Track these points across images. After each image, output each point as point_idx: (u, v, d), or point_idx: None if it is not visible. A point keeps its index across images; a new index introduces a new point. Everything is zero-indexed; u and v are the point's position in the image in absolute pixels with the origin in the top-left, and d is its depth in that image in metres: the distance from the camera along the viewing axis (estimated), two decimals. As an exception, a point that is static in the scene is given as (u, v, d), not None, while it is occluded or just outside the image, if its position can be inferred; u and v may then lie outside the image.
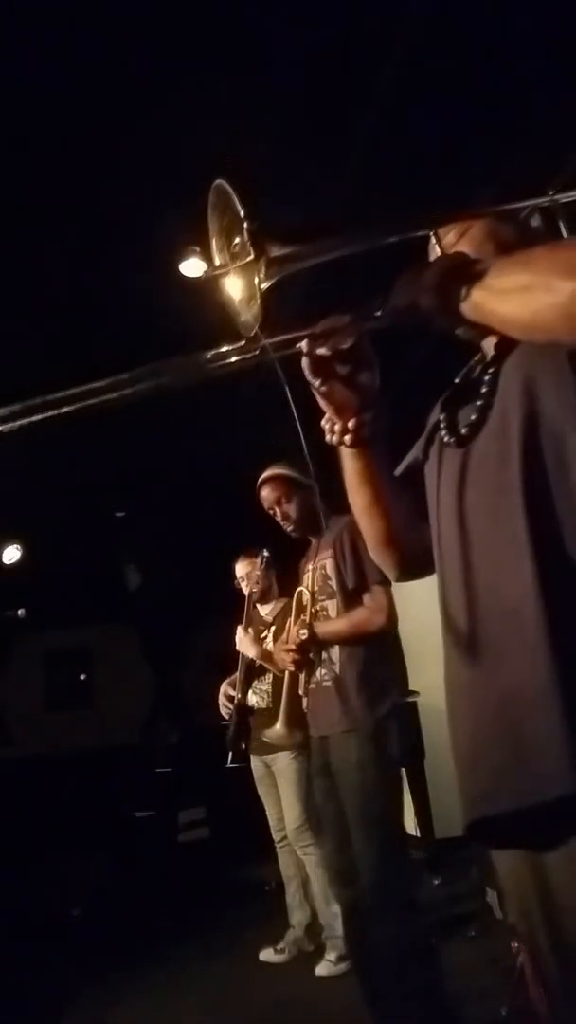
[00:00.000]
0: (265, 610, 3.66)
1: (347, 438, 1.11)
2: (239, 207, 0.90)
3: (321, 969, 3.24)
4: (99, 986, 3.54)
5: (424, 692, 4.96)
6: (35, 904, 4.80)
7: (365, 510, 1.23)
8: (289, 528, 2.62)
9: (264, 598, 3.64)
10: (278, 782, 3.49)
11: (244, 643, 3.40)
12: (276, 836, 3.62)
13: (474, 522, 1.01)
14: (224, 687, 3.54)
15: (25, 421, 0.96)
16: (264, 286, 0.91)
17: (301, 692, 2.50)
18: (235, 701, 3.45)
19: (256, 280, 0.91)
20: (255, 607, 3.64)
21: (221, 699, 3.53)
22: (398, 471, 1.28)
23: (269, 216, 0.89)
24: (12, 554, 5.06)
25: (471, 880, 3.62)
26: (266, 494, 2.65)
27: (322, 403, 1.10)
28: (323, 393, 1.08)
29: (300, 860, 3.48)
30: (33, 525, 5.11)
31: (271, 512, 2.65)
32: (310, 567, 2.58)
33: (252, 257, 0.89)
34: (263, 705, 3.50)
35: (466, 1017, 2.24)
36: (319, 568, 2.53)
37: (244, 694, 3.47)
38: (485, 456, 1.01)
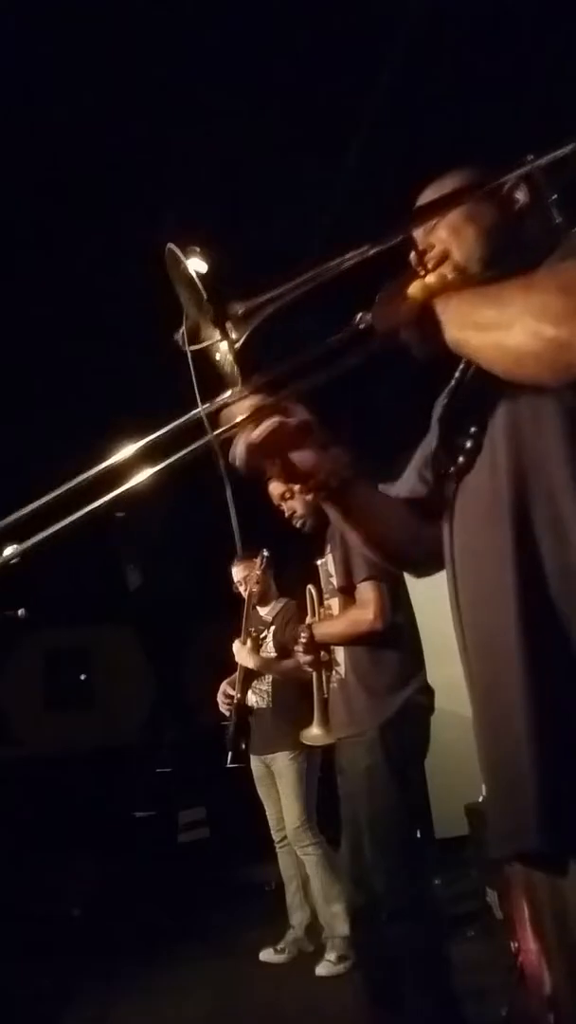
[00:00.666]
0: (264, 611, 3.66)
1: (319, 496, 1.16)
2: (196, 281, 0.91)
3: (321, 969, 3.24)
4: (99, 986, 3.54)
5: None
6: (35, 904, 4.80)
7: (366, 542, 1.26)
8: (297, 523, 2.53)
9: (263, 599, 3.64)
10: (277, 782, 3.49)
11: (242, 654, 3.41)
12: (276, 836, 3.62)
13: (463, 561, 1.04)
14: (224, 686, 3.54)
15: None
16: (233, 351, 0.94)
17: (325, 693, 2.46)
18: (235, 701, 3.45)
19: (225, 353, 0.95)
20: (254, 608, 3.64)
21: (220, 698, 3.53)
22: (401, 490, 1.27)
23: (251, 228, 0.94)
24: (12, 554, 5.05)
25: (471, 880, 3.62)
26: (273, 488, 2.52)
27: (274, 487, 1.18)
28: (276, 476, 1.14)
29: (300, 860, 3.48)
30: (33, 525, 5.11)
31: (279, 507, 2.55)
32: (319, 563, 2.52)
33: (217, 338, 0.93)
34: (262, 705, 3.50)
35: (466, 1017, 2.24)
36: (324, 565, 2.47)
37: (243, 694, 3.47)
38: (477, 492, 1.01)
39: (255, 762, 3.58)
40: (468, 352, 0.93)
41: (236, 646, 3.44)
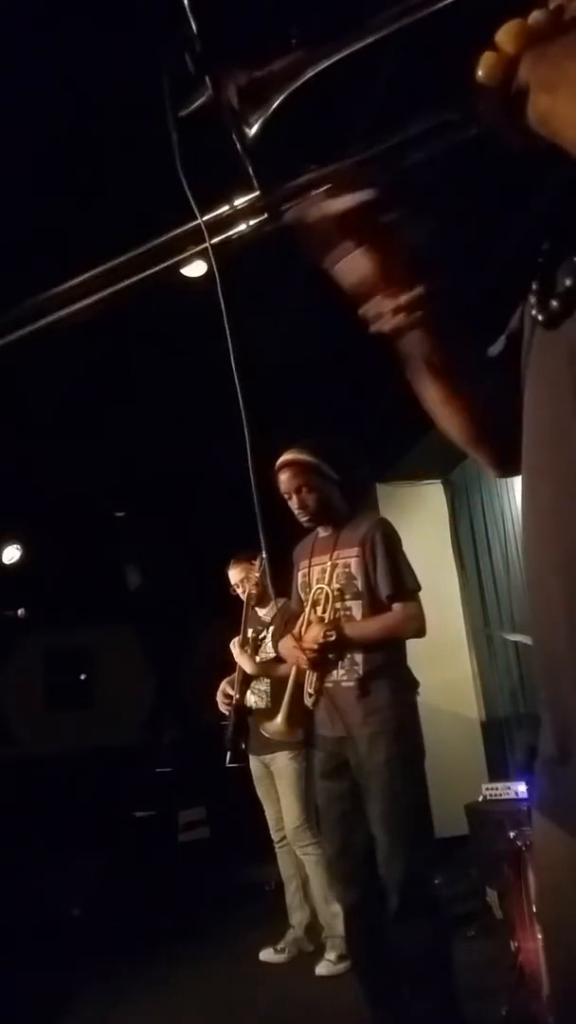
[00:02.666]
0: (263, 611, 3.66)
1: (398, 321, 0.83)
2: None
3: (321, 969, 3.24)
4: (99, 986, 3.54)
5: (424, 692, 4.96)
6: (35, 904, 4.80)
7: (438, 406, 0.94)
8: (304, 518, 2.52)
9: (261, 600, 3.64)
10: (277, 782, 3.49)
11: (241, 659, 3.42)
12: (275, 836, 3.63)
13: (540, 433, 0.78)
14: (223, 686, 3.55)
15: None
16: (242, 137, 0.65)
17: (310, 691, 2.45)
18: (234, 701, 3.45)
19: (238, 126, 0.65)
20: (253, 609, 3.64)
21: (220, 698, 3.53)
22: (494, 349, 0.96)
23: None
24: (12, 554, 5.06)
25: (471, 880, 3.63)
26: (285, 479, 2.50)
27: (349, 276, 0.81)
28: (354, 267, 0.80)
29: (300, 860, 3.48)
30: (33, 525, 5.11)
31: (287, 497, 2.51)
32: (327, 560, 2.47)
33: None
34: (261, 705, 3.50)
35: (466, 1017, 2.24)
36: (340, 565, 2.44)
37: (243, 694, 3.47)
38: (568, 346, 0.73)
39: (254, 762, 3.58)
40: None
41: (236, 651, 3.45)
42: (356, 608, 2.40)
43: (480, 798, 3.61)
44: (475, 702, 5.39)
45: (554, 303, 0.74)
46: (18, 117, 2.35)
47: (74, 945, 4.26)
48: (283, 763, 3.43)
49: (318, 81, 0.65)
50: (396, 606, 2.36)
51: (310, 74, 0.65)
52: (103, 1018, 3.18)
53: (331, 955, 3.27)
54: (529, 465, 0.81)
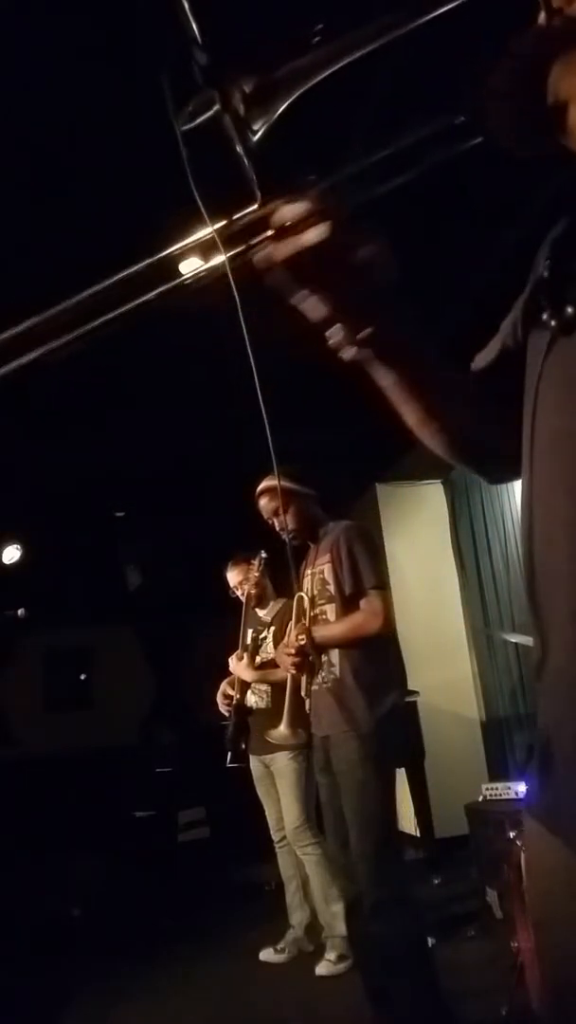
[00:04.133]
0: (263, 612, 3.66)
1: (356, 355, 0.84)
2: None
3: (321, 969, 3.24)
4: (99, 986, 3.54)
5: (424, 692, 4.97)
6: (35, 904, 4.80)
7: (416, 427, 0.96)
8: (288, 537, 2.67)
9: (261, 600, 3.64)
10: (277, 782, 3.49)
11: (239, 669, 3.46)
12: (275, 836, 3.63)
13: (550, 442, 0.77)
14: (223, 686, 3.55)
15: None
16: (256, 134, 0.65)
17: (303, 694, 2.55)
18: (234, 701, 3.45)
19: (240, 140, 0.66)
20: (253, 609, 3.64)
21: (220, 698, 3.53)
22: (482, 360, 0.97)
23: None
24: (12, 554, 5.06)
25: (471, 880, 3.62)
26: (264, 504, 2.73)
27: (311, 313, 0.81)
28: (313, 305, 0.80)
29: (300, 860, 3.48)
30: (33, 525, 5.11)
31: (270, 521, 2.74)
32: (309, 572, 2.63)
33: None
34: (262, 705, 3.50)
35: (466, 1017, 2.24)
36: (318, 573, 2.59)
37: (243, 694, 3.47)
38: None
39: (254, 762, 3.58)
40: None
41: (232, 662, 3.48)
42: (330, 611, 2.52)
43: (480, 798, 3.61)
44: (475, 702, 5.39)
45: (570, 309, 0.74)
46: (19, 128, 2.36)
47: (74, 945, 4.26)
48: (283, 763, 3.43)
49: (322, 87, 0.65)
50: (361, 603, 2.44)
51: (316, 79, 0.65)
52: (103, 1018, 3.18)
53: (331, 955, 3.27)
54: (537, 473, 0.80)
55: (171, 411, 4.42)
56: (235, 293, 0.74)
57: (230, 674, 3.57)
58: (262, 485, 2.73)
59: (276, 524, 2.71)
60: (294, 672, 2.53)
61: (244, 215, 0.70)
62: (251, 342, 0.77)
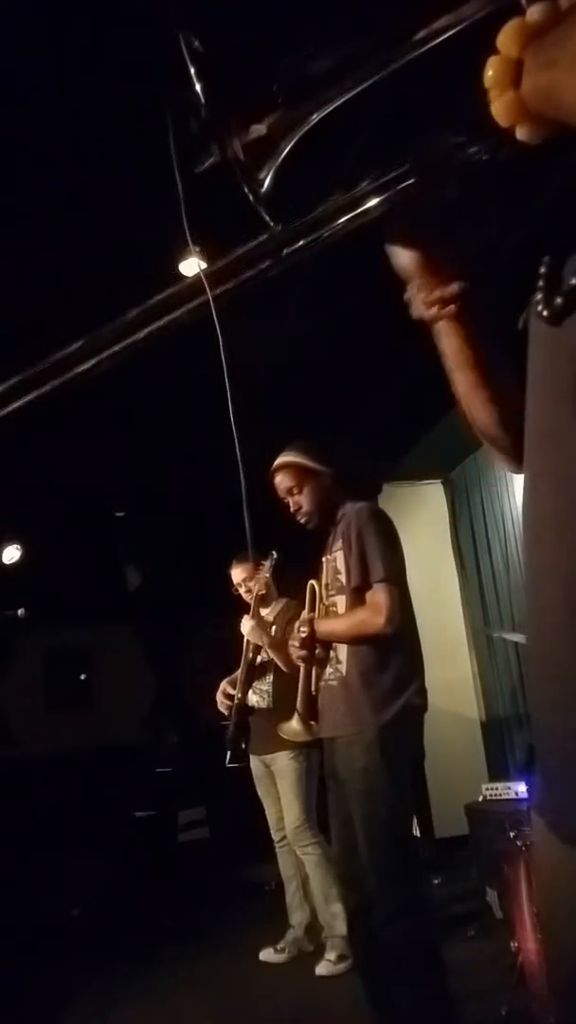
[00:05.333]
0: (265, 611, 3.66)
1: (431, 312, 0.82)
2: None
3: (321, 969, 3.24)
4: (99, 986, 3.54)
5: (424, 692, 4.97)
6: (35, 904, 4.80)
7: (466, 395, 0.94)
8: (303, 519, 2.50)
9: (265, 600, 3.63)
10: (277, 782, 3.49)
11: (254, 632, 3.36)
12: (276, 836, 3.63)
13: (552, 441, 0.74)
14: (224, 685, 3.54)
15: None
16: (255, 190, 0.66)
17: (313, 690, 2.44)
18: (235, 701, 3.45)
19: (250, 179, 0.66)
20: (258, 609, 3.63)
21: (220, 697, 3.53)
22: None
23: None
24: (12, 554, 5.06)
25: (471, 880, 3.63)
26: (278, 481, 2.52)
27: (405, 265, 0.80)
28: (401, 251, 0.80)
29: (300, 860, 3.48)
30: (33, 525, 5.11)
31: (284, 500, 2.53)
32: (324, 558, 2.47)
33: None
34: (263, 705, 3.50)
35: (466, 1017, 2.24)
36: (331, 561, 2.43)
37: (244, 694, 3.47)
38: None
39: (255, 762, 3.58)
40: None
41: (246, 623, 3.38)
42: (340, 603, 2.36)
43: (480, 798, 3.61)
44: (475, 702, 5.39)
45: (559, 300, 0.73)
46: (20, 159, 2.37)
47: (74, 945, 4.26)
48: (284, 763, 3.43)
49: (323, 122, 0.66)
50: (367, 597, 2.26)
51: (315, 119, 0.66)
52: (103, 1018, 3.18)
53: (331, 955, 3.27)
54: (530, 468, 0.80)
55: (171, 411, 4.42)
56: (213, 313, 0.75)
57: (230, 674, 3.57)
58: (277, 461, 2.51)
59: (291, 504, 2.49)
60: (302, 664, 2.41)
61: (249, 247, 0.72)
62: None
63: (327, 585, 2.42)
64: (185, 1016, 3.13)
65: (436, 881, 4.21)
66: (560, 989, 0.81)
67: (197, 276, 0.72)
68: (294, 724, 2.51)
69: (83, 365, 0.77)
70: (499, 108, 0.64)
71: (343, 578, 2.35)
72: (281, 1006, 3.04)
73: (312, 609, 2.44)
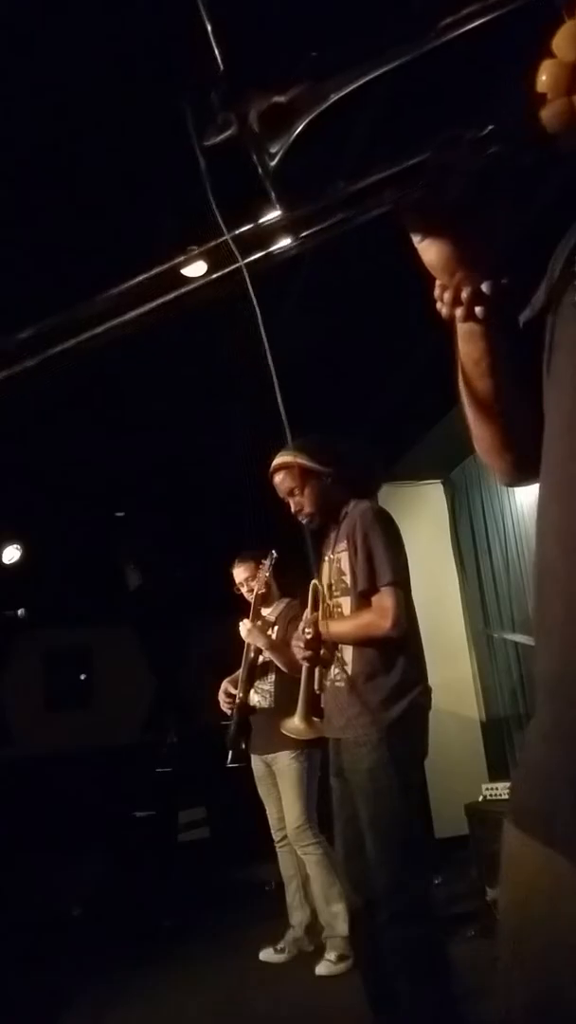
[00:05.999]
0: (267, 611, 3.66)
1: (477, 309, 0.79)
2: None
3: (321, 969, 3.24)
4: (98, 986, 3.54)
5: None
6: (35, 904, 4.80)
7: (479, 407, 0.91)
8: (304, 520, 2.49)
9: (266, 600, 3.63)
10: (278, 781, 3.49)
11: (253, 634, 3.36)
12: (276, 836, 3.62)
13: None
14: (225, 684, 3.54)
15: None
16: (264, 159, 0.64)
17: (317, 689, 2.43)
18: (236, 700, 3.44)
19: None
20: (259, 609, 3.63)
21: (221, 696, 3.52)
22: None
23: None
24: (12, 554, 5.06)
25: (471, 880, 3.63)
26: (278, 482, 2.51)
27: (434, 261, 0.77)
28: (439, 247, 0.76)
29: (300, 860, 3.48)
30: (33, 525, 5.11)
31: (285, 501, 2.52)
32: (327, 557, 2.47)
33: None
34: (265, 705, 3.50)
35: (466, 1017, 2.24)
36: (335, 561, 2.42)
37: (246, 693, 3.47)
38: None
39: (256, 761, 3.58)
40: None
41: (246, 625, 3.38)
42: (345, 604, 2.36)
43: (480, 798, 3.61)
44: (475, 702, 5.39)
45: None
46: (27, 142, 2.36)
47: (74, 945, 4.26)
48: (285, 762, 3.43)
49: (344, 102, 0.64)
50: (373, 600, 2.27)
51: (334, 98, 0.64)
52: (103, 1018, 3.18)
53: (331, 955, 3.27)
54: (562, 453, 0.76)
55: (171, 411, 4.42)
56: (254, 300, 0.72)
57: (230, 673, 3.57)
58: (276, 461, 2.49)
59: (292, 505, 2.48)
60: (307, 664, 2.40)
61: (263, 222, 0.70)
62: (254, 344, 0.76)
63: (331, 585, 2.42)
64: (185, 1016, 3.13)
65: (436, 881, 4.20)
66: (532, 1009, 0.76)
67: (224, 241, 0.69)
68: (296, 721, 2.51)
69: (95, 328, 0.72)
70: (551, 113, 0.63)
71: (348, 579, 2.35)
72: (281, 1006, 3.04)
73: (316, 609, 2.42)
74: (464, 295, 0.78)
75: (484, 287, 0.78)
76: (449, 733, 5.07)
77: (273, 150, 0.65)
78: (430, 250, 0.77)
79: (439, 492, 5.76)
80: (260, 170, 0.66)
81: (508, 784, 3.53)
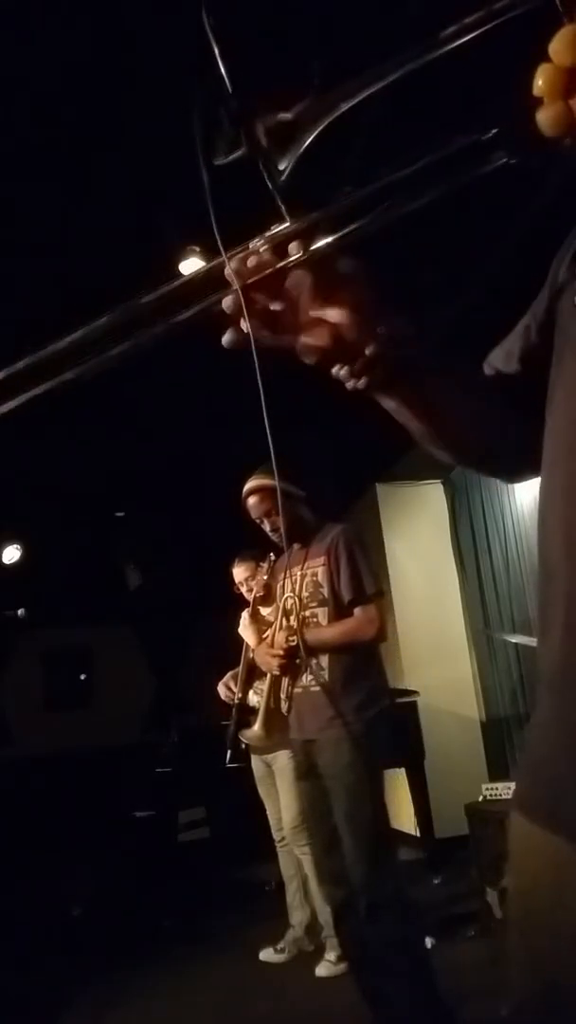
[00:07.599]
0: (267, 611, 3.66)
1: (361, 383, 0.79)
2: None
3: (321, 969, 3.24)
4: (98, 986, 3.54)
5: (424, 692, 4.97)
6: (35, 904, 4.80)
7: (427, 441, 0.92)
8: (276, 538, 2.67)
9: (265, 600, 3.64)
10: (277, 781, 3.49)
11: (246, 630, 3.42)
12: (276, 836, 3.63)
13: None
14: (226, 678, 3.54)
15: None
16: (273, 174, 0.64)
17: (283, 696, 2.55)
18: (236, 700, 3.45)
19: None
20: (258, 609, 3.63)
21: (222, 689, 3.52)
22: (502, 363, 0.91)
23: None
24: (12, 554, 5.06)
25: (471, 880, 3.62)
26: (253, 504, 2.65)
27: (307, 355, 0.77)
28: (304, 346, 0.76)
29: (300, 859, 3.48)
30: (33, 525, 5.12)
31: (258, 521, 2.68)
32: (297, 571, 2.59)
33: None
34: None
35: (466, 1017, 2.24)
36: (308, 575, 2.56)
37: (245, 693, 3.47)
38: None
39: (256, 761, 3.58)
40: None
41: (244, 619, 3.46)
42: (322, 614, 2.49)
43: (480, 798, 3.61)
44: (475, 702, 5.39)
45: None
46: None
47: (74, 945, 4.26)
48: (284, 762, 3.43)
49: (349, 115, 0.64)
50: (356, 611, 2.44)
51: (341, 110, 0.64)
52: (103, 1018, 3.18)
53: (331, 955, 3.27)
54: (565, 451, 0.75)
55: (171, 411, 4.42)
56: (244, 309, 0.71)
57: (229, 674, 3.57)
58: (251, 484, 2.63)
59: (267, 525, 2.66)
60: (277, 673, 2.53)
61: (267, 235, 0.70)
62: (255, 346, 0.75)
63: (305, 598, 2.56)
64: (185, 1016, 3.13)
65: (436, 881, 4.21)
66: (534, 1001, 0.78)
67: (221, 263, 0.69)
68: (256, 729, 2.61)
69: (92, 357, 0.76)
70: (547, 117, 0.62)
71: (325, 591, 2.50)
72: (281, 1006, 3.04)
73: (287, 620, 2.56)
74: (356, 367, 0.77)
75: (368, 351, 0.76)
76: (449, 733, 5.07)
77: (282, 167, 0.65)
78: (309, 350, 0.76)
79: (439, 492, 5.75)
80: (270, 185, 0.66)
81: (508, 784, 3.54)
